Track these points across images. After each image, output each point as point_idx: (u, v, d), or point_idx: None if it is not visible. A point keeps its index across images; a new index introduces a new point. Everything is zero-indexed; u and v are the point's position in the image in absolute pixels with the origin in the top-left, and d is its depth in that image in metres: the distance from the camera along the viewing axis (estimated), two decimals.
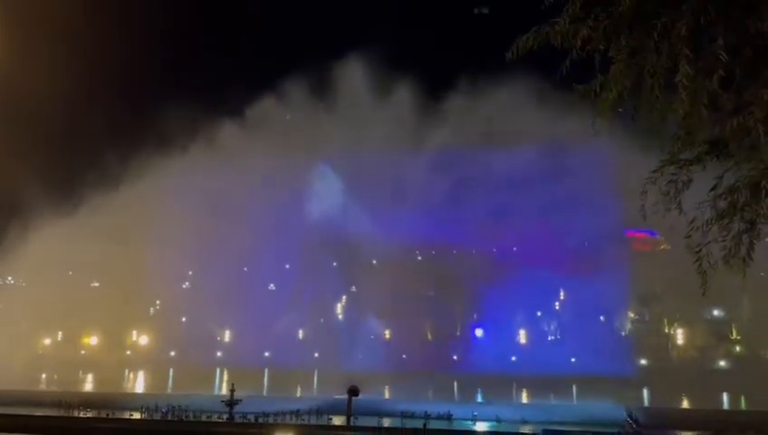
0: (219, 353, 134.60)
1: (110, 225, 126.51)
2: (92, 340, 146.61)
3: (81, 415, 54.73)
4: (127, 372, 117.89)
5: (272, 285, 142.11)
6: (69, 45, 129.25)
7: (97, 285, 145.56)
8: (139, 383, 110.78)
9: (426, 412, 53.60)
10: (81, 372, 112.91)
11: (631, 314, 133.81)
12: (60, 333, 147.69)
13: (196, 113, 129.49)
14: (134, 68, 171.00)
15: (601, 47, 10.27)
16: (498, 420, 52.58)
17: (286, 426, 35.35)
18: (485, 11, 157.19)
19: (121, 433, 26.16)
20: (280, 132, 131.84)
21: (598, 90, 10.54)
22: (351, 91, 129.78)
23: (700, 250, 10.56)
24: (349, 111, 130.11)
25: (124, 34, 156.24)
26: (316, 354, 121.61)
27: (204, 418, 51.00)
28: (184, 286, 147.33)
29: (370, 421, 49.13)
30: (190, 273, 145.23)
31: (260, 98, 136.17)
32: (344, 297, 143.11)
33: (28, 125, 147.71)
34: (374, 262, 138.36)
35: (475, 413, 55.17)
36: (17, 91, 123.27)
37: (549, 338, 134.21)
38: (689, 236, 10.70)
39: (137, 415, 54.21)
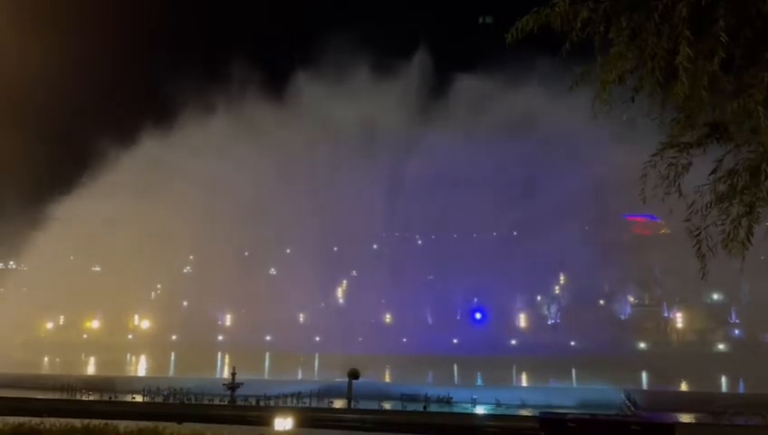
0: (220, 337, 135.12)
1: (111, 209, 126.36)
2: (94, 323, 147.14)
3: (84, 398, 55.26)
4: (129, 355, 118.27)
5: (272, 269, 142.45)
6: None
7: (98, 269, 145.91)
8: (140, 367, 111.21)
9: (426, 395, 54.08)
10: (83, 356, 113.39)
11: (631, 298, 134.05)
12: (62, 317, 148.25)
13: (198, 98, 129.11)
14: (137, 46, 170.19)
15: (601, 29, 10.17)
16: (497, 404, 52.95)
17: (287, 409, 35.57)
18: (490, 21, 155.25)
19: (123, 416, 26.28)
20: (279, 116, 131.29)
21: (598, 72, 10.45)
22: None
23: (699, 234, 10.53)
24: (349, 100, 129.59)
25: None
26: (317, 338, 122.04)
27: (205, 401, 51.42)
28: (185, 271, 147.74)
29: (371, 404, 49.57)
30: (191, 257, 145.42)
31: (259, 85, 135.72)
32: (345, 281, 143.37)
33: (24, 110, 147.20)
34: (374, 246, 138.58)
35: (475, 396, 55.52)
36: (12, 78, 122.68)
37: (549, 322, 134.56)
38: (689, 220, 10.65)
39: (138, 398, 54.76)
